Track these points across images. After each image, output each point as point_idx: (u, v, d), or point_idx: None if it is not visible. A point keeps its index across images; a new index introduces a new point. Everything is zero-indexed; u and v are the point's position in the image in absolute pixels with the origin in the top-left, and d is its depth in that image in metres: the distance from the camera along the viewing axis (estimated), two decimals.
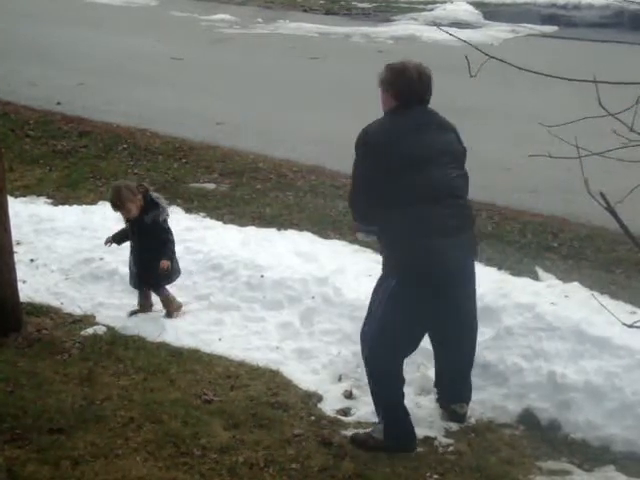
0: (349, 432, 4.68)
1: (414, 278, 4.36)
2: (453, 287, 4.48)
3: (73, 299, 6.18)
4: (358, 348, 5.28)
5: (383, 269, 4.56)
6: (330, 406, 5.01)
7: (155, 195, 5.95)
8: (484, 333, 5.21)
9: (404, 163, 4.29)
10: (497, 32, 16.42)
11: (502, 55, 2.87)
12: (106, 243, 6.03)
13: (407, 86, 4.45)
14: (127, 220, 5.92)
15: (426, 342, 4.81)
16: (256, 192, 8.11)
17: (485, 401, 4.97)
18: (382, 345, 4.46)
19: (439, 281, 4.40)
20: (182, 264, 6.08)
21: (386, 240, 4.49)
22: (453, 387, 4.91)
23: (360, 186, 4.45)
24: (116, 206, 5.84)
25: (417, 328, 4.58)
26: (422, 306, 4.41)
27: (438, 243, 4.31)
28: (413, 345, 4.64)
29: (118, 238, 6.02)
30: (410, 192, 4.30)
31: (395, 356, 4.54)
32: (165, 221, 5.89)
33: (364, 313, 5.47)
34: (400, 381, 4.59)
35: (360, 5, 19.61)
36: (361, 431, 4.69)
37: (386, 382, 4.58)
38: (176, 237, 6.01)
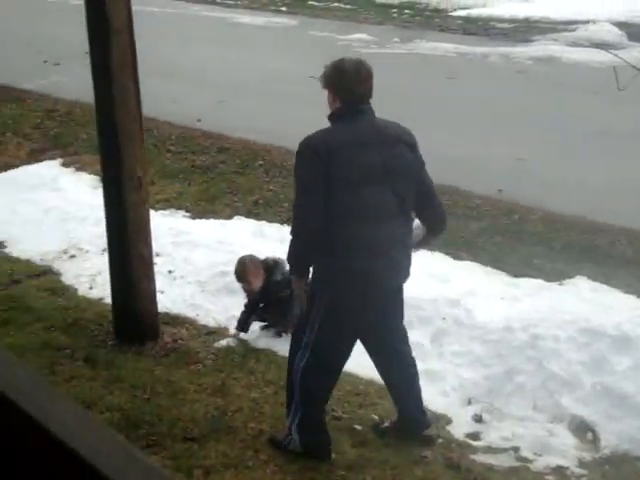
0: (478, 457, 4.62)
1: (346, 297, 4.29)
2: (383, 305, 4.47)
3: (208, 311, 6.33)
4: (489, 372, 5.22)
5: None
6: (459, 429, 4.96)
7: (274, 259, 6.05)
8: (621, 363, 5.06)
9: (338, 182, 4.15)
10: None
11: None
12: (235, 335, 5.98)
13: (345, 83, 4.27)
14: (248, 293, 6.01)
15: (559, 368, 4.70)
16: None
17: (622, 432, 4.81)
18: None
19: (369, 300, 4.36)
20: None
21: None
22: (414, 415, 4.80)
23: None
24: (240, 278, 6.01)
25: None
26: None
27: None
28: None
29: (243, 325, 5.98)
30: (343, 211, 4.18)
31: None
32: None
33: (496, 336, 5.40)
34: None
35: (499, 25, 19.43)
36: (277, 435, 4.66)
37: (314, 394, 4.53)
38: None
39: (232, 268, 6.59)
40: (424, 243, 4.79)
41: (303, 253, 4.28)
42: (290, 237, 4.29)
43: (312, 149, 4.14)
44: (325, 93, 4.38)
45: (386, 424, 4.89)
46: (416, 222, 4.62)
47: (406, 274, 4.49)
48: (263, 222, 7.78)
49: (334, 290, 4.29)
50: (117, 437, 0.71)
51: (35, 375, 0.80)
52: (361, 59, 4.43)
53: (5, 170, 9.63)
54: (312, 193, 4.13)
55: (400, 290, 4.59)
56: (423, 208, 4.53)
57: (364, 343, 4.69)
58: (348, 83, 4.27)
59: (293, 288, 4.46)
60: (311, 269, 4.33)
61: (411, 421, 4.79)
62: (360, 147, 4.20)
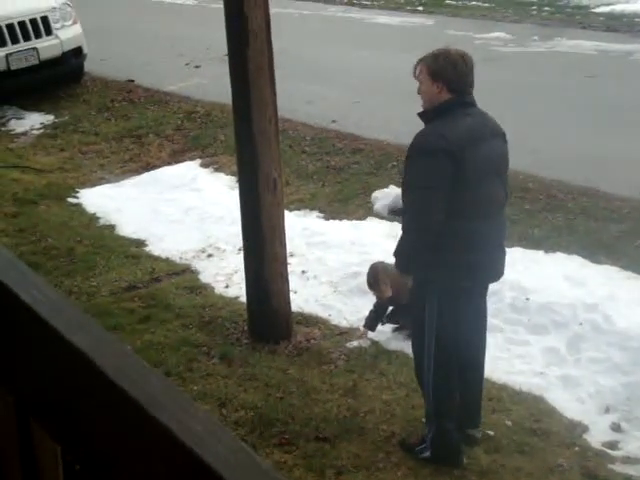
0: (616, 467, 4.49)
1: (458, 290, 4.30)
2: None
3: (340, 311, 6.37)
4: (628, 379, 5.07)
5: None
6: (596, 438, 4.82)
7: None
8: None
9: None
10: None
11: None
12: (363, 334, 5.97)
13: (458, 74, 4.21)
14: (379, 299, 5.98)
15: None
16: (524, 212, 7.97)
17: None
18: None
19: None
20: None
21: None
22: (468, 410, 4.66)
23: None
24: (371, 286, 6.00)
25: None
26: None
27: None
28: None
29: (371, 324, 5.96)
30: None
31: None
32: None
33: (636, 343, 5.24)
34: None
35: None
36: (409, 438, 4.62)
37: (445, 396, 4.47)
38: None
39: (365, 269, 6.61)
40: None
41: (417, 252, 4.27)
42: (404, 233, 4.27)
43: (440, 147, 4.12)
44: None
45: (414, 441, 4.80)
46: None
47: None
48: (395, 223, 7.76)
49: (451, 283, 4.29)
50: (249, 452, 0.73)
51: (169, 384, 0.83)
52: (463, 51, 4.40)
53: (147, 170, 9.94)
54: (436, 191, 4.12)
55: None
56: None
57: None
58: (461, 74, 4.26)
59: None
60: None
61: (463, 414, 4.69)
62: (478, 141, 4.22)
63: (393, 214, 4.65)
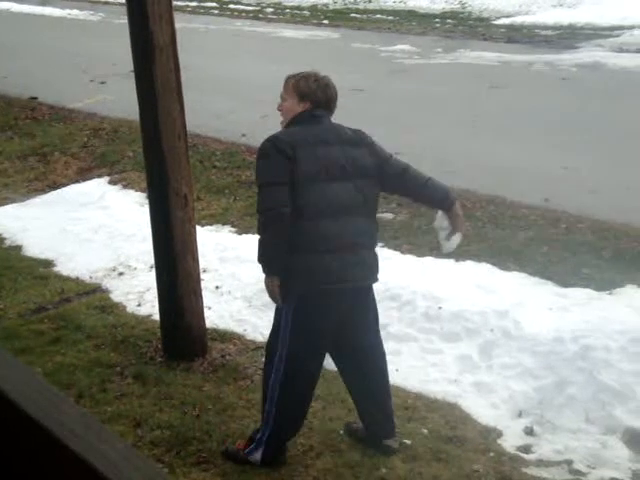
0: (530, 470, 4.57)
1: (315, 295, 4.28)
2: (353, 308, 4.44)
3: (255, 326, 6.34)
4: (539, 383, 5.17)
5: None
6: (510, 442, 4.90)
7: None
8: None
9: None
10: None
11: None
12: None
13: (326, 97, 4.43)
14: None
15: (611, 379, 4.63)
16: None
17: None
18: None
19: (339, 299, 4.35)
20: None
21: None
22: (378, 421, 4.72)
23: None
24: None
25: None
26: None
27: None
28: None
29: None
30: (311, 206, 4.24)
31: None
32: None
33: (546, 348, 5.35)
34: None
35: (543, 32, 19.31)
36: (230, 446, 4.63)
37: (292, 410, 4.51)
38: None
39: None
40: (455, 223, 4.70)
41: (275, 252, 4.27)
42: (259, 238, 4.31)
43: (276, 147, 4.23)
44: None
45: (357, 425, 4.87)
46: (439, 213, 4.65)
47: (374, 275, 4.51)
48: None
49: (301, 289, 4.28)
50: (163, 474, 0.71)
51: (82, 412, 0.81)
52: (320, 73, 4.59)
53: (54, 189, 9.77)
54: (278, 190, 4.19)
55: (370, 290, 4.59)
56: (418, 190, 4.63)
57: (334, 345, 4.61)
58: (330, 99, 4.48)
59: (267, 289, 4.35)
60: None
61: (374, 425, 4.73)
62: (322, 144, 4.32)
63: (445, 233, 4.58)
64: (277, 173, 4.20)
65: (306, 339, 4.35)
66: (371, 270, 4.47)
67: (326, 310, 4.34)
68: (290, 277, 4.27)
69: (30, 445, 0.80)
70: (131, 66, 5.54)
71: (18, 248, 8.03)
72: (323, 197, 4.24)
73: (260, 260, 4.34)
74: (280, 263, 4.27)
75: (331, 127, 4.46)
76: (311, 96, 4.41)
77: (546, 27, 19.85)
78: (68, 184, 9.88)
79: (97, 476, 0.72)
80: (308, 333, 4.35)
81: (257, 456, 4.51)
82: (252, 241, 7.75)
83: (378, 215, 8.24)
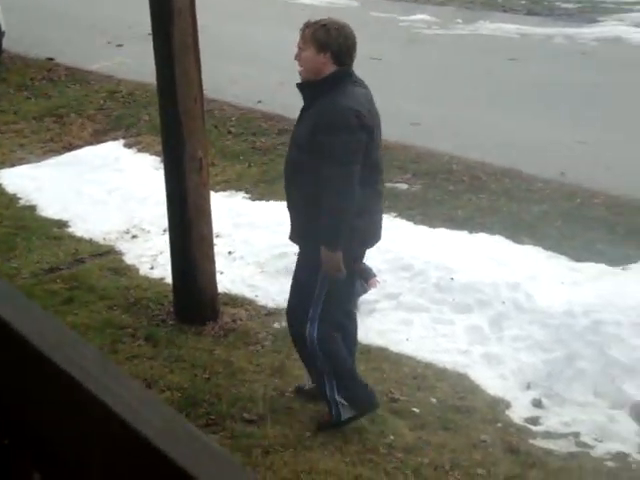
0: (537, 441, 4.59)
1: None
2: None
3: (267, 292, 6.36)
4: (549, 356, 5.18)
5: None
6: (518, 414, 4.93)
7: None
8: None
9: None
10: None
11: None
12: None
13: (349, 47, 4.32)
14: None
15: (620, 354, 4.63)
16: (449, 194, 8.06)
17: None
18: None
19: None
20: (372, 263, 6.12)
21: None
22: None
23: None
24: None
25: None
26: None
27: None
28: None
29: None
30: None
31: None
32: None
33: (557, 321, 5.34)
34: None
35: (564, 5, 19.08)
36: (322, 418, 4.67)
37: (341, 354, 4.56)
38: None
39: (290, 249, 6.60)
40: None
41: (347, 227, 4.22)
42: (332, 211, 4.17)
43: (360, 119, 4.17)
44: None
45: (307, 386, 4.95)
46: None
47: None
48: None
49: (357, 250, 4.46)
50: (182, 420, 0.72)
51: (101, 355, 0.81)
52: (342, 21, 4.44)
53: (69, 150, 9.77)
54: (357, 164, 4.18)
55: None
56: None
57: None
58: (351, 47, 4.33)
59: (330, 263, 4.26)
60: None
61: None
62: (374, 110, 4.37)
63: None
64: (360, 148, 4.19)
65: (341, 293, 4.50)
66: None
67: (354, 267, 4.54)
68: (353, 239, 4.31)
69: (50, 388, 0.81)
70: (148, 29, 5.52)
71: (32, 208, 8.05)
72: (379, 166, 4.41)
73: (332, 236, 4.22)
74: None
75: (367, 89, 4.43)
76: (331, 46, 4.26)
77: (567, 0, 19.63)
78: (83, 146, 9.88)
79: (117, 419, 0.72)
80: (342, 288, 4.47)
81: (348, 413, 4.56)
82: (266, 208, 7.78)
83: (392, 185, 8.29)
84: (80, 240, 7.30)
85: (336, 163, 4.14)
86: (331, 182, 4.14)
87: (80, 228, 7.57)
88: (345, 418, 4.55)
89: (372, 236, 4.51)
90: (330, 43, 4.26)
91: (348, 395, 4.53)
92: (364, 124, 4.17)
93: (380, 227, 4.53)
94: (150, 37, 5.56)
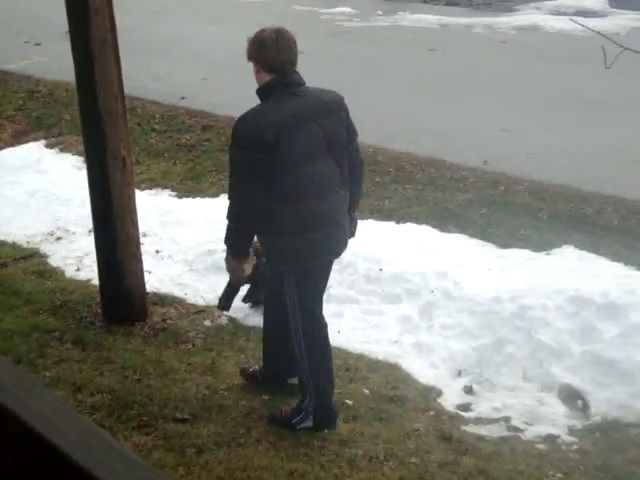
0: (469, 428, 4.65)
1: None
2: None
3: (196, 290, 6.31)
4: (478, 343, 5.25)
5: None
6: (449, 401, 4.98)
7: None
8: (609, 330, 5.08)
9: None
10: (624, 20, 15.87)
11: (630, 45, 2.79)
12: (219, 314, 5.88)
13: (265, 53, 4.23)
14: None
15: (548, 338, 4.71)
16: (375, 185, 8.10)
17: (611, 399, 4.85)
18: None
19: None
20: None
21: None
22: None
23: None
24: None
25: None
26: None
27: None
28: None
29: (225, 304, 5.41)
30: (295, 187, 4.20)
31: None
32: None
33: (484, 308, 5.42)
34: None
35: None
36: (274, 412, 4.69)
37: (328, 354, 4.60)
38: None
39: (219, 246, 6.55)
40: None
41: (245, 237, 4.29)
42: (228, 222, 4.24)
43: (256, 131, 4.09)
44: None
45: (253, 369, 4.99)
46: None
47: (348, 239, 4.59)
48: None
49: (300, 262, 4.34)
50: (97, 430, 0.70)
51: (15, 369, 0.79)
52: (282, 28, 4.33)
53: None
54: (256, 177, 4.09)
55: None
56: (352, 175, 4.56)
57: None
58: (268, 53, 4.22)
59: (230, 270, 4.47)
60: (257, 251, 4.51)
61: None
62: (301, 123, 4.17)
63: None
64: (258, 160, 4.08)
65: (313, 299, 4.50)
66: (346, 237, 4.54)
67: (320, 276, 4.56)
68: (286, 257, 4.32)
69: None
70: (67, 27, 5.42)
71: None
72: (305, 179, 4.19)
73: (229, 245, 4.34)
74: (248, 248, 4.37)
75: (304, 96, 4.27)
76: (256, 56, 4.25)
77: None
78: (3, 147, 9.68)
79: (32, 433, 0.70)
80: (312, 294, 4.50)
81: (309, 423, 4.55)
82: (192, 205, 7.73)
83: None
84: (3, 244, 7.15)
85: (229, 175, 4.26)
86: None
87: (2, 232, 7.41)
88: (300, 427, 4.55)
89: (313, 255, 4.34)
90: (254, 53, 4.26)
91: (316, 410, 4.54)
92: (264, 141, 4.05)
93: (326, 245, 4.35)
94: (68, 35, 5.46)
